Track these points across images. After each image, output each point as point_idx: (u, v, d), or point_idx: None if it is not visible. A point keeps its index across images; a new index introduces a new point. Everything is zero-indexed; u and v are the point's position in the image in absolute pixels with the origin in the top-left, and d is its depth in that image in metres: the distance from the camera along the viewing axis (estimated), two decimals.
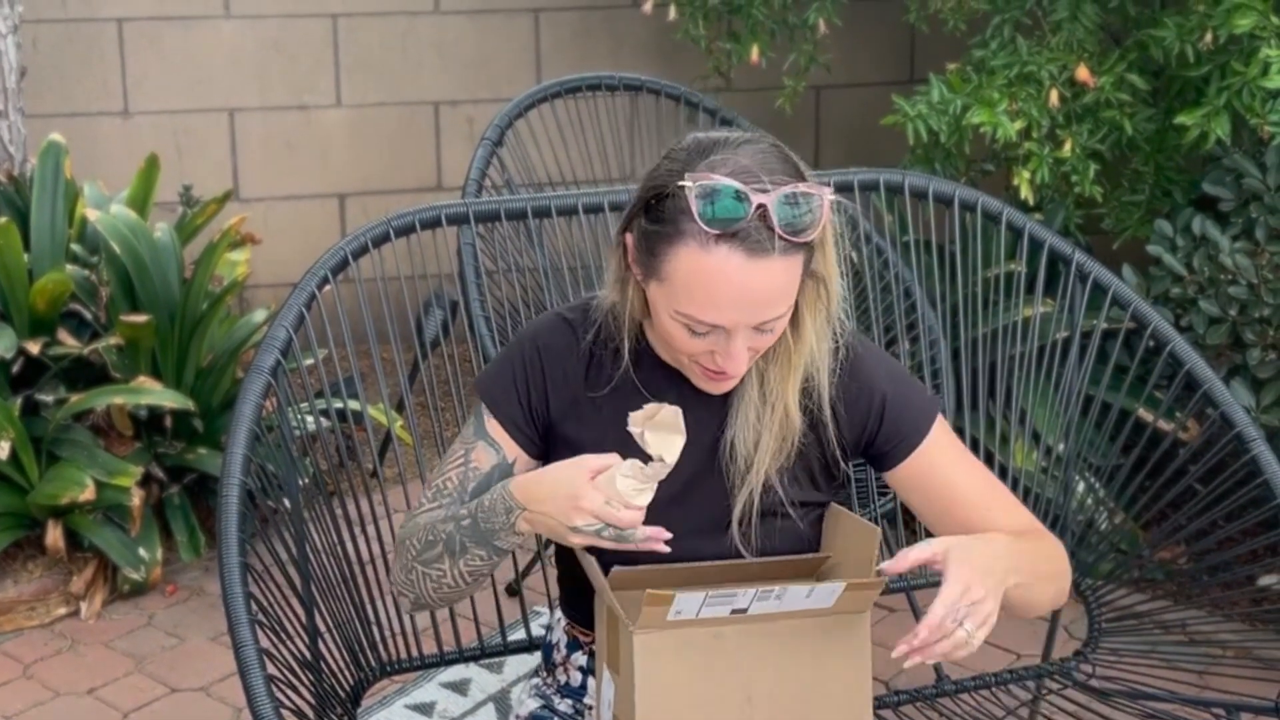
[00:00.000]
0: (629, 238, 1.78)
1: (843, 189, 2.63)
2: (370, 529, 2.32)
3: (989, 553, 1.76)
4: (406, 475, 2.45)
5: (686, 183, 1.67)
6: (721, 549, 1.90)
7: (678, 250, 1.69)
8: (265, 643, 2.06)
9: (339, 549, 2.29)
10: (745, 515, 1.89)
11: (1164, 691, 2.50)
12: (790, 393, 1.85)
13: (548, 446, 1.91)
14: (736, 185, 1.65)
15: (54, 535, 3.38)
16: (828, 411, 1.88)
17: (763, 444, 1.86)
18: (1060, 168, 3.57)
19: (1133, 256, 3.80)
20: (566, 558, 1.99)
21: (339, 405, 3.45)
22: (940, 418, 1.93)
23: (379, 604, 2.30)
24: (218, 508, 2.13)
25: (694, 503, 1.89)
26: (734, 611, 1.75)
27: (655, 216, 1.72)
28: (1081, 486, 3.03)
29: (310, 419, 3.40)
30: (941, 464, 1.92)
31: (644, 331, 1.89)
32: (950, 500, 1.91)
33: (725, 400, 1.88)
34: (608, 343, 1.89)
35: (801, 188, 1.68)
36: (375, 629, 2.33)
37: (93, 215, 3.52)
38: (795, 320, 1.82)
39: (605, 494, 1.69)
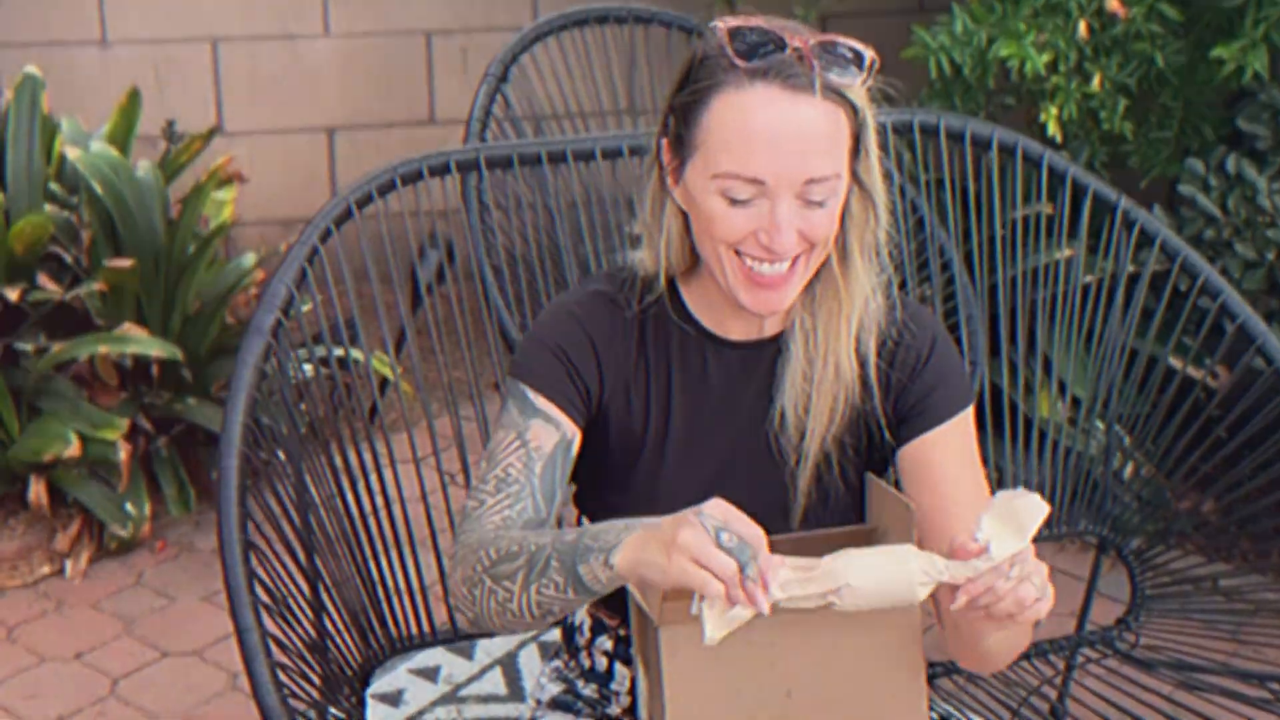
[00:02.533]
0: (665, 141, 1.67)
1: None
2: (373, 480, 2.16)
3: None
4: (410, 419, 2.29)
5: (718, 23, 1.59)
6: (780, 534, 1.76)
7: (712, 104, 1.60)
8: (269, 624, 1.94)
9: (338, 503, 2.14)
10: (807, 494, 1.75)
11: (1213, 663, 2.38)
12: (843, 344, 1.70)
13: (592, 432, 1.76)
14: (771, 28, 1.59)
15: (36, 491, 3.23)
16: (880, 355, 1.74)
17: (815, 408, 1.71)
18: (1088, 103, 3.41)
19: (1159, 196, 3.64)
20: None
21: (339, 352, 3.29)
22: (970, 411, 1.78)
23: (385, 567, 2.15)
24: (217, 480, 1.99)
25: (743, 488, 1.75)
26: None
27: (689, 85, 1.63)
28: (1111, 437, 2.90)
29: (308, 366, 3.26)
30: (950, 461, 1.76)
31: (680, 292, 1.75)
32: (941, 505, 1.74)
33: (771, 367, 1.74)
34: (649, 305, 1.75)
35: (841, 39, 1.60)
36: (384, 603, 2.19)
37: (73, 153, 3.34)
38: (844, 253, 1.68)
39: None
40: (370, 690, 2.91)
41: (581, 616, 1.93)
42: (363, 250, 2.22)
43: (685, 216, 1.68)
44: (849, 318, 1.70)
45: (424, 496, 2.22)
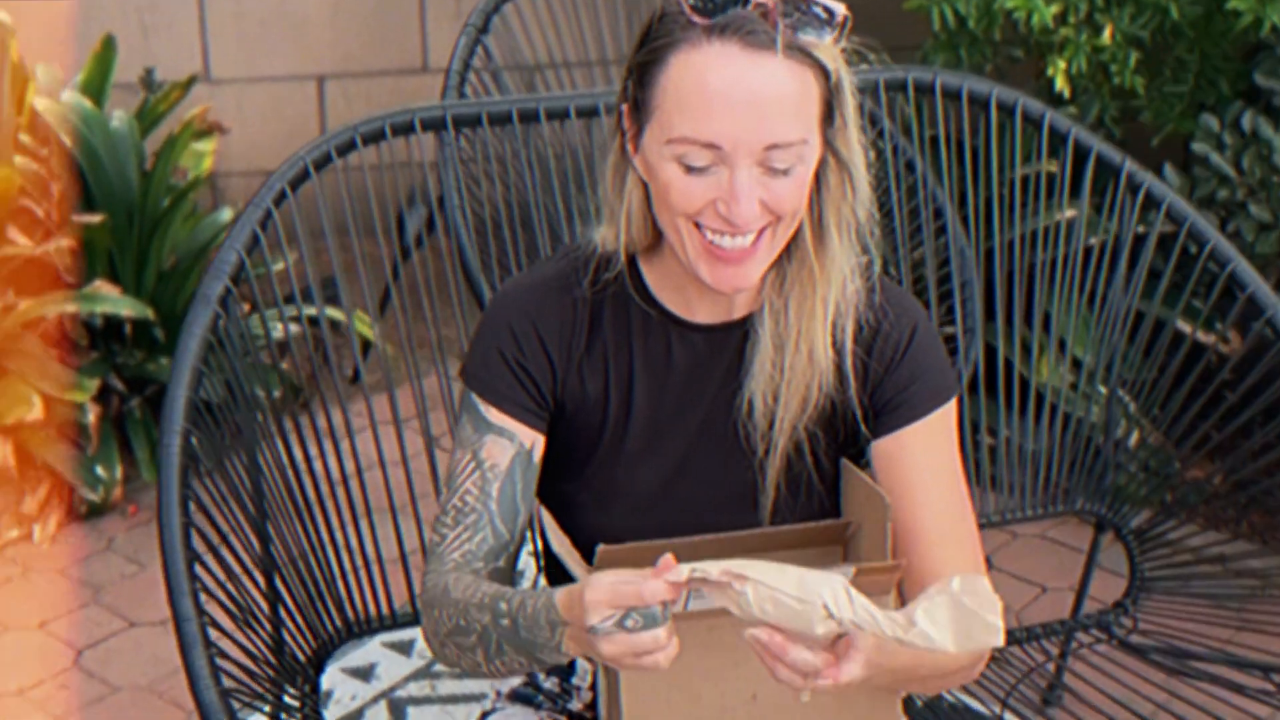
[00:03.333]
0: (625, 106, 1.55)
1: (864, 91, 2.35)
2: (344, 445, 2.06)
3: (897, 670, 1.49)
4: (396, 379, 2.19)
5: None
6: (748, 527, 1.65)
7: (669, 63, 1.49)
8: (215, 611, 1.84)
9: (302, 475, 2.04)
10: (776, 486, 1.64)
11: (1213, 650, 2.27)
12: (817, 328, 1.58)
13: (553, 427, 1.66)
14: None
15: (3, 453, 3.12)
16: (857, 342, 1.62)
17: (784, 395, 1.60)
18: (1099, 56, 3.26)
19: (1172, 154, 3.50)
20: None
21: (311, 311, 3.18)
22: (952, 406, 1.66)
23: (340, 545, 2.06)
24: (158, 459, 1.89)
25: (708, 478, 1.64)
26: None
27: (647, 44, 1.52)
28: (1113, 403, 2.79)
29: (282, 326, 3.15)
30: (927, 460, 1.64)
31: (642, 271, 1.64)
32: (913, 505, 1.62)
33: (740, 351, 1.62)
34: (608, 285, 1.63)
35: None
36: (339, 581, 2.08)
37: (41, 104, 3.22)
38: (819, 229, 1.56)
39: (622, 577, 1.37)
40: (340, 664, 2.83)
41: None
42: (346, 202, 2.12)
43: (647, 188, 1.57)
44: (824, 300, 1.58)
45: (404, 460, 2.12)
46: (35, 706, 2.71)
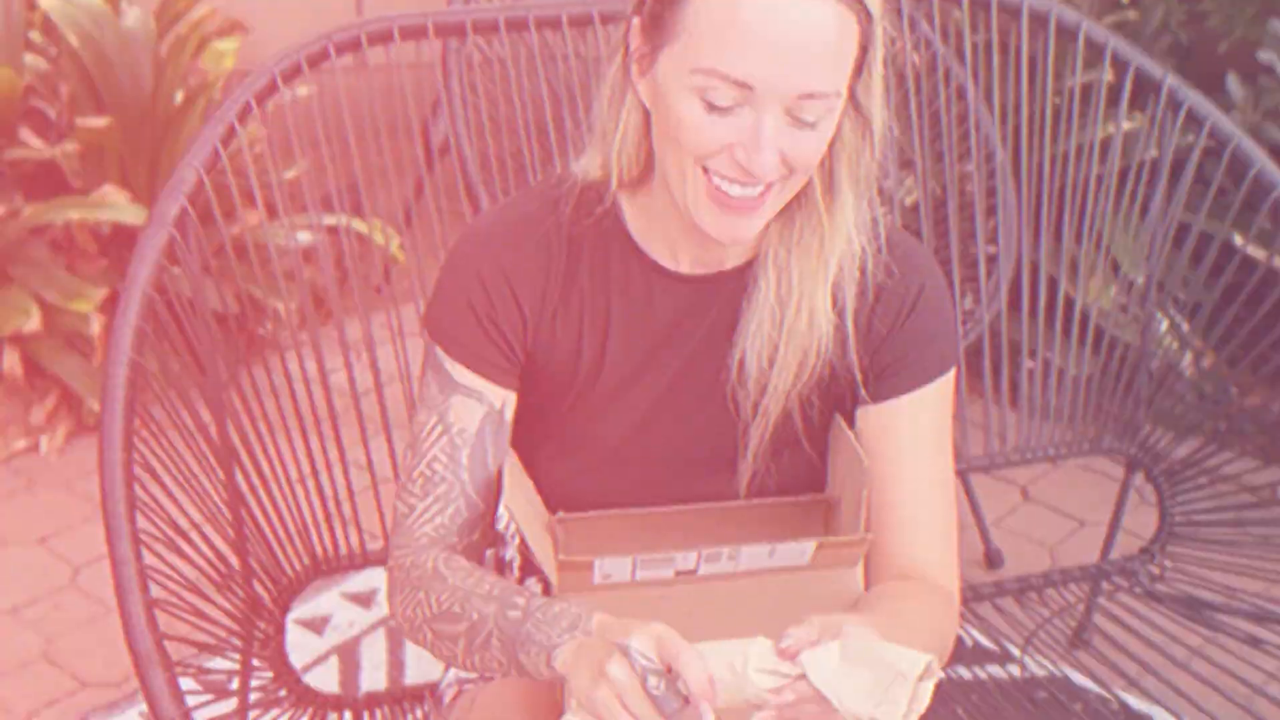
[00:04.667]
0: (638, 21, 1.39)
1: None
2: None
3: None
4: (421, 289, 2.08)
5: None
6: (725, 491, 1.53)
7: None
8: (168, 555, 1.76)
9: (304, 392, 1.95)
10: (757, 453, 1.51)
11: (1244, 600, 2.13)
12: (819, 288, 1.45)
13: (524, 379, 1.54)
14: None
15: (10, 362, 3.05)
16: (860, 304, 1.48)
17: (781, 359, 1.46)
18: None
19: (1240, 61, 3.28)
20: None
21: (332, 221, 3.07)
22: (950, 377, 1.51)
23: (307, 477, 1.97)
24: (102, 394, 1.80)
25: (681, 437, 1.52)
26: (680, 573, 1.38)
27: None
28: (1165, 325, 2.63)
29: (304, 234, 3.04)
30: (916, 432, 1.50)
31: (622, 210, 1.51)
32: (888, 485, 1.49)
33: (730, 305, 1.49)
34: (588, 223, 1.50)
35: None
36: (305, 509, 1.99)
37: (46, 1, 3.10)
38: (831, 182, 1.42)
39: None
40: (341, 589, 2.75)
41: (512, 553, 1.71)
42: (345, 108, 2.00)
43: (647, 115, 1.42)
44: (829, 257, 1.44)
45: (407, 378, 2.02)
46: (27, 626, 2.65)
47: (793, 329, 1.45)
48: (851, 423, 1.53)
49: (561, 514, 1.53)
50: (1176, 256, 2.33)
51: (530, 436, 1.57)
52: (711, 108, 1.33)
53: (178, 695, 1.60)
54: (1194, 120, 2.20)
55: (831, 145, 1.40)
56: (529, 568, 1.68)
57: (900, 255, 1.49)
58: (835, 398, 1.52)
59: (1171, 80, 2.21)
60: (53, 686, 2.51)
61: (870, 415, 1.50)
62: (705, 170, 1.37)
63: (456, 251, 1.51)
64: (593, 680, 1.25)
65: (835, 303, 1.47)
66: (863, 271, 1.47)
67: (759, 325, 1.46)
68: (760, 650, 1.22)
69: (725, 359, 1.49)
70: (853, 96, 1.38)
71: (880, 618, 1.32)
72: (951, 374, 1.52)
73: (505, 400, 1.51)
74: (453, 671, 1.68)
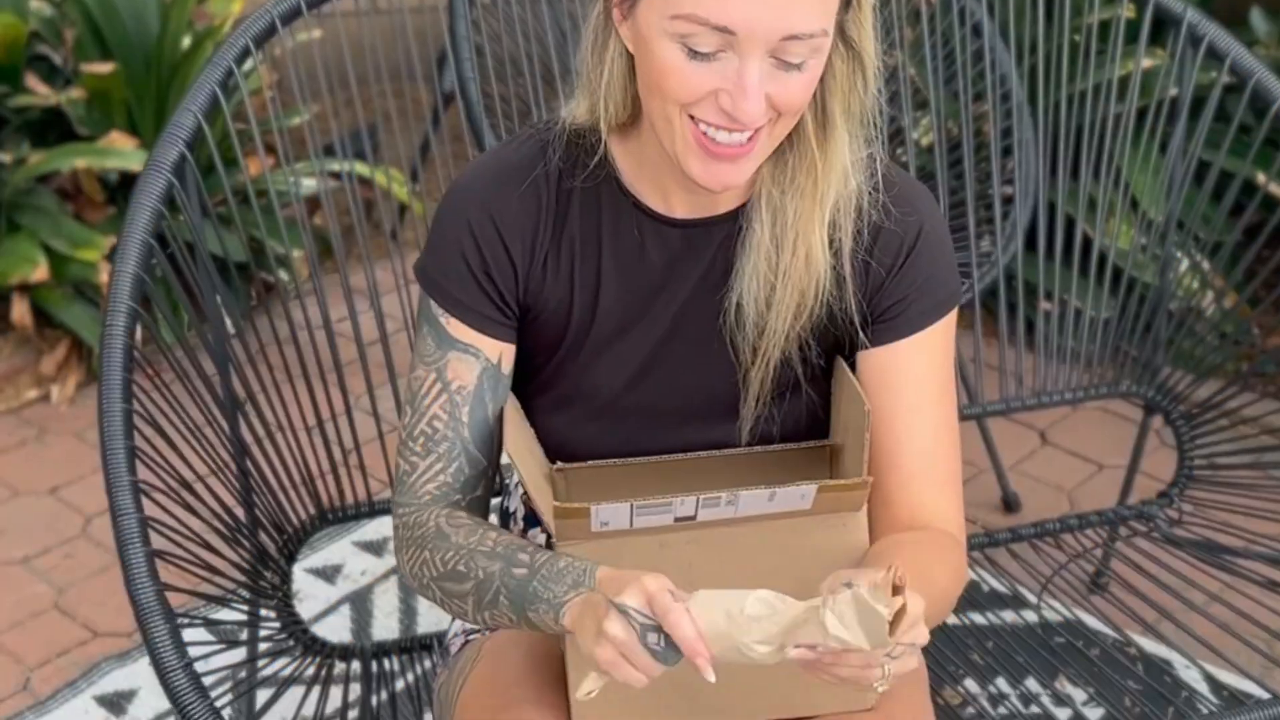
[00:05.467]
0: None
1: None
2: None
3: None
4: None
5: None
6: (727, 440, 1.51)
7: None
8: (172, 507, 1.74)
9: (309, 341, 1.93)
10: (758, 399, 1.48)
11: (1261, 543, 2.09)
12: (815, 228, 1.41)
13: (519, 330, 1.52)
14: None
15: (20, 311, 3.03)
16: (857, 245, 1.44)
17: (778, 301, 1.43)
18: None
19: None
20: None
21: (337, 167, 3.05)
22: (952, 317, 1.48)
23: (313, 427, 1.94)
24: (100, 341, 1.78)
25: (679, 386, 1.49)
26: (679, 519, 1.35)
27: None
28: (1185, 264, 2.59)
29: (310, 181, 3.02)
30: (916, 378, 1.47)
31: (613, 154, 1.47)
32: (891, 432, 1.46)
33: (724, 248, 1.45)
34: (578, 168, 1.46)
35: None
36: (311, 459, 1.97)
37: None
38: (824, 120, 1.38)
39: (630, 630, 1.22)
40: (353, 538, 2.74)
41: (516, 504, 1.70)
42: (347, 54, 1.97)
43: (633, 58, 1.38)
44: (824, 197, 1.41)
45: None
46: (38, 576, 2.64)
47: (789, 270, 1.42)
48: (853, 367, 1.50)
49: (560, 464, 1.50)
50: (1197, 195, 2.29)
51: (526, 388, 1.54)
52: (694, 54, 1.29)
53: (180, 645, 1.59)
54: (1215, 56, 2.16)
55: (823, 82, 1.36)
56: (533, 519, 1.66)
57: (898, 194, 1.46)
58: (835, 341, 1.49)
59: (1192, 15, 2.16)
60: (64, 636, 2.50)
61: (871, 359, 1.47)
62: (691, 117, 1.33)
63: (445, 202, 1.49)
64: (595, 638, 1.23)
65: (832, 243, 1.43)
66: (859, 211, 1.44)
67: (754, 267, 1.43)
68: (759, 599, 1.20)
69: (721, 303, 1.46)
70: (842, 31, 1.35)
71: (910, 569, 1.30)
72: (953, 315, 1.49)
73: (503, 353, 1.49)
74: (459, 622, 1.66)
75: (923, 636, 1.22)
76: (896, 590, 1.17)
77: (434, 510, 1.47)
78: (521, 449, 1.46)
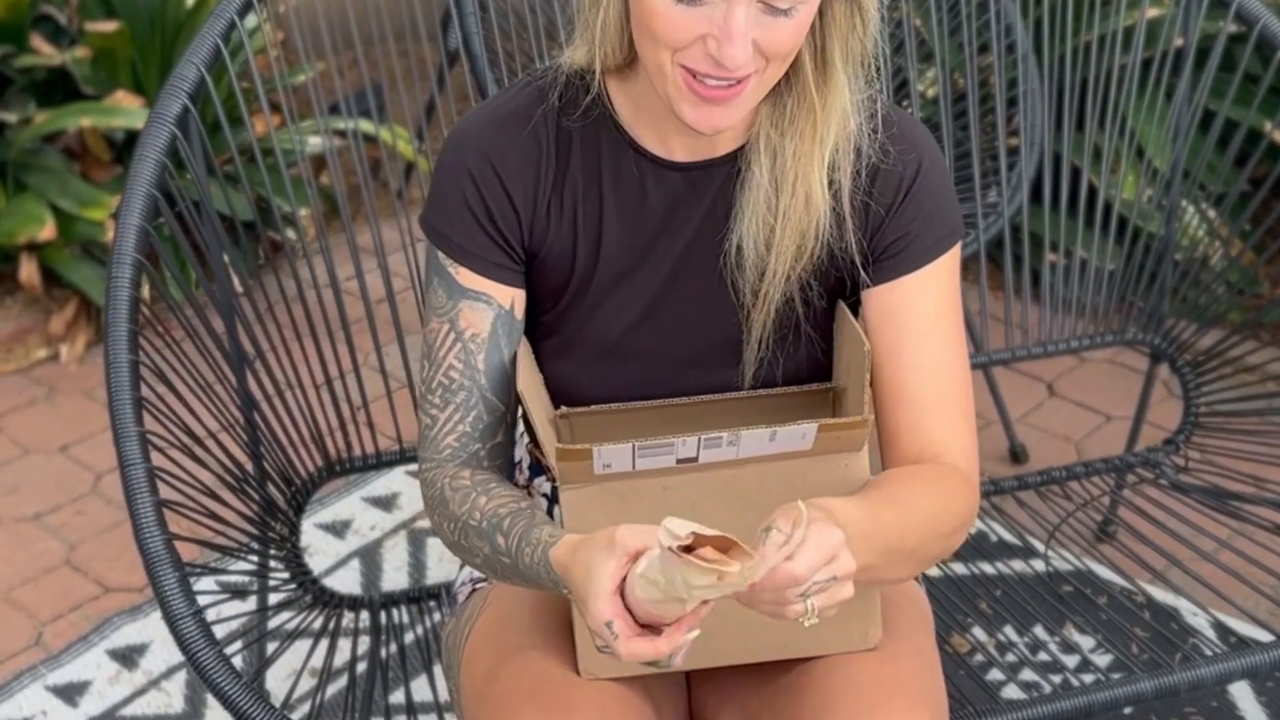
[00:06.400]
0: None
1: None
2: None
3: (881, 542, 1.32)
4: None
5: None
6: (730, 384, 1.51)
7: None
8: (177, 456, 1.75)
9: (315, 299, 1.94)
10: (760, 341, 1.48)
11: (1268, 489, 2.10)
12: (814, 169, 1.41)
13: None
14: None
15: (28, 271, 3.04)
16: (855, 185, 1.44)
17: (778, 243, 1.43)
18: None
19: None
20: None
21: (343, 125, 3.06)
22: (956, 252, 1.48)
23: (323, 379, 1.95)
24: (105, 293, 1.78)
25: (683, 329, 1.49)
26: (681, 461, 1.35)
27: None
28: (1191, 213, 2.59)
29: (316, 139, 3.01)
30: (921, 314, 1.47)
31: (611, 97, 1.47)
32: (899, 368, 1.46)
33: (724, 190, 1.46)
34: (576, 112, 1.46)
35: None
36: (319, 413, 1.98)
37: None
38: (823, 62, 1.38)
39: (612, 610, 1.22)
40: (362, 493, 2.75)
41: (521, 454, 1.70)
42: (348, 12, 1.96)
43: (628, 1, 1.38)
44: (823, 139, 1.41)
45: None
46: (50, 533, 2.66)
47: (788, 211, 1.43)
48: (857, 308, 1.50)
49: (564, 409, 1.50)
50: (1202, 144, 2.28)
51: (530, 334, 1.55)
52: None
53: (189, 593, 1.60)
54: (1220, 4, 2.15)
55: (823, 24, 1.37)
56: (538, 468, 1.67)
57: (897, 133, 1.46)
58: (837, 282, 1.49)
59: None
60: (76, 591, 2.52)
61: (875, 297, 1.47)
62: (682, 66, 1.33)
63: (445, 152, 1.49)
64: (584, 605, 1.26)
65: (831, 184, 1.44)
66: (859, 152, 1.44)
67: (754, 209, 1.44)
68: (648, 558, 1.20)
69: (722, 245, 1.46)
70: None
71: (873, 498, 1.33)
72: (957, 251, 1.49)
73: (514, 298, 1.49)
74: (466, 570, 1.67)
75: (843, 568, 1.21)
76: (722, 550, 1.17)
77: (445, 470, 1.48)
78: (531, 389, 1.47)
